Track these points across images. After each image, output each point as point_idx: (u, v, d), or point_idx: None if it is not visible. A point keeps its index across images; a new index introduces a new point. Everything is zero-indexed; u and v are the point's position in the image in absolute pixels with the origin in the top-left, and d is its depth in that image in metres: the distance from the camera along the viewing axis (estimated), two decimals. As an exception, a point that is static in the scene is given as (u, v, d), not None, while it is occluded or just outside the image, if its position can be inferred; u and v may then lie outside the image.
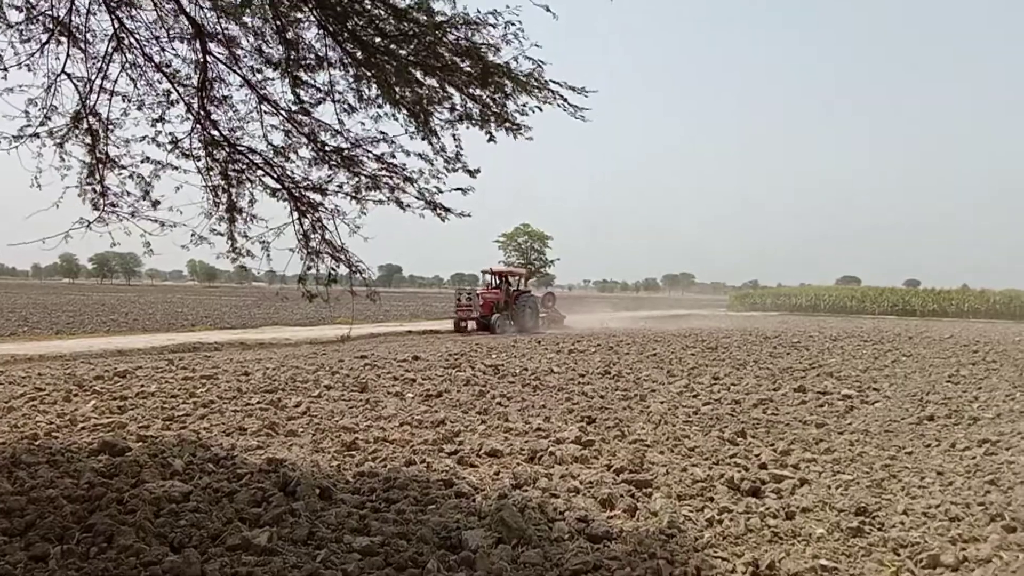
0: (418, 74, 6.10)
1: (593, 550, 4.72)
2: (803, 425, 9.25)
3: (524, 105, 6.26)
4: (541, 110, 6.31)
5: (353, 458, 6.99)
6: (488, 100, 6.22)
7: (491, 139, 6.39)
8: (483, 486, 6.14)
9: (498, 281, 30.29)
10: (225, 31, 6.51)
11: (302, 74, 6.40)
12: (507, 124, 6.32)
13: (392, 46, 5.92)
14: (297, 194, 6.94)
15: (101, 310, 36.53)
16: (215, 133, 6.87)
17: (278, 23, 6.20)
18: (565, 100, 6.12)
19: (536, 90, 6.10)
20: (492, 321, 27.31)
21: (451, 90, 6.26)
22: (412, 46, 5.89)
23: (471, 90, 6.18)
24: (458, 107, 6.36)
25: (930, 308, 60.34)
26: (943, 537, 5.08)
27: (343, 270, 7.03)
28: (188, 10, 6.39)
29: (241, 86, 6.81)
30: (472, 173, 6.60)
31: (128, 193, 6.87)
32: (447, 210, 6.87)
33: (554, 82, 6.08)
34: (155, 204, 6.90)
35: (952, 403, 11.09)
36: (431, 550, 4.57)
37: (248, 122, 6.90)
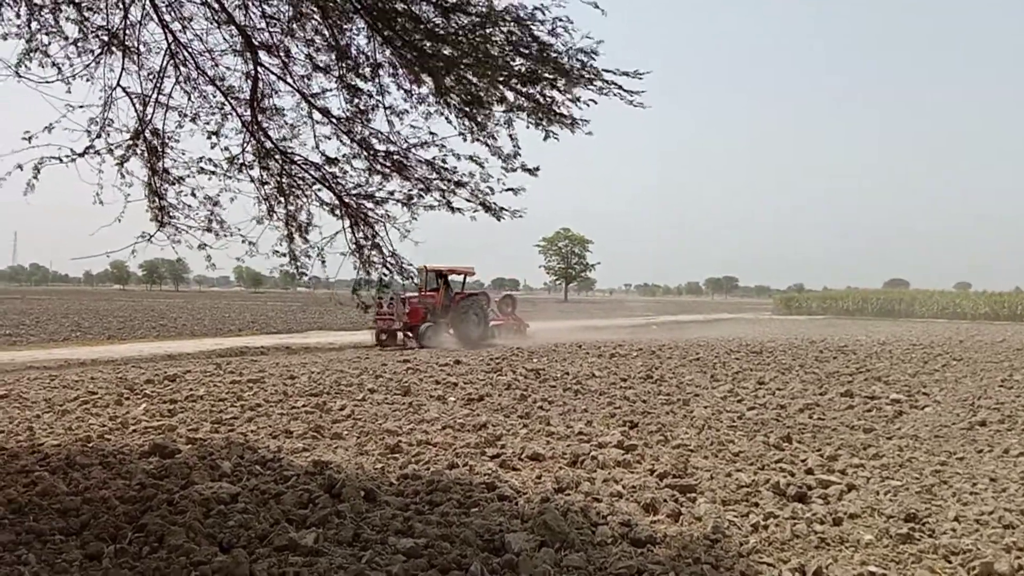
0: (469, 75, 6.09)
1: (637, 555, 4.70)
2: (850, 430, 9.09)
3: (578, 99, 6.17)
4: (596, 103, 6.17)
5: (397, 461, 7.06)
6: (539, 97, 6.16)
7: (547, 136, 6.32)
8: (525, 489, 6.15)
9: (436, 281, 24.91)
10: (275, 40, 6.62)
11: (359, 83, 6.45)
12: (561, 119, 6.24)
13: (440, 47, 5.93)
14: (351, 203, 7.01)
15: (151, 315, 37.37)
16: (268, 144, 6.99)
17: (329, 32, 6.28)
18: (620, 88, 5.99)
19: (589, 82, 6.03)
20: (420, 330, 22.50)
21: (502, 89, 6.22)
22: (460, 46, 5.88)
23: (522, 88, 6.14)
24: (511, 105, 6.31)
25: (982, 311, 58.68)
26: (997, 544, 4.95)
27: (396, 277, 7.10)
28: (238, 20, 6.52)
29: (293, 96, 6.93)
30: (532, 172, 6.52)
31: (188, 206, 7.03)
32: (501, 210, 6.84)
33: (607, 71, 5.95)
34: (222, 224, 7.04)
35: (1005, 408, 10.79)
36: (474, 552, 4.59)
37: (299, 132, 7.01)
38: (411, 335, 22.96)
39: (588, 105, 6.18)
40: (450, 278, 25.49)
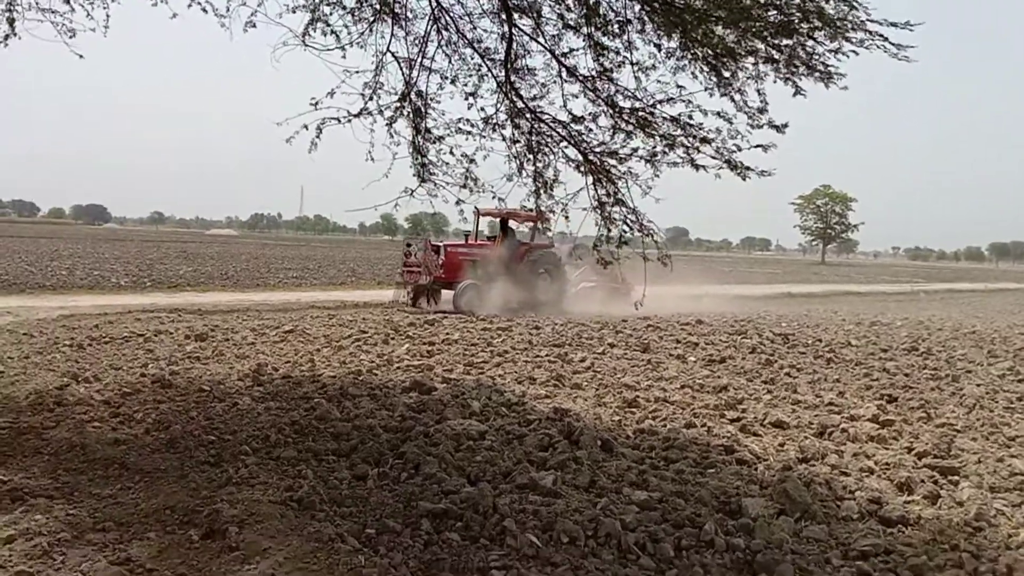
0: (719, 28, 5.88)
1: (885, 533, 4.43)
2: None
3: (838, 50, 5.74)
4: (857, 54, 5.71)
5: (634, 415, 7.15)
6: (796, 49, 5.79)
7: (797, 92, 5.98)
8: (766, 456, 5.98)
9: (490, 230, 19.28)
10: (528, 1, 6.82)
11: (606, 40, 6.49)
12: (817, 72, 5.84)
13: (691, 0, 5.78)
14: (595, 160, 7.12)
15: (414, 265, 40.37)
16: (519, 104, 7.26)
17: None
18: (886, 39, 5.49)
19: (851, 32, 5.58)
20: (458, 289, 17.09)
21: (754, 41, 5.94)
22: None
23: (775, 40, 5.82)
24: (762, 57, 6.01)
25: None
26: None
27: (636, 234, 7.15)
28: None
29: (544, 55, 7.12)
30: (779, 128, 6.21)
31: (446, 164, 7.53)
32: (748, 168, 6.58)
33: (872, 20, 5.45)
34: (475, 181, 7.46)
35: None
36: (709, 512, 4.57)
37: (548, 91, 7.21)
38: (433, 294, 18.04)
39: (848, 56, 5.71)
40: (510, 224, 19.33)
